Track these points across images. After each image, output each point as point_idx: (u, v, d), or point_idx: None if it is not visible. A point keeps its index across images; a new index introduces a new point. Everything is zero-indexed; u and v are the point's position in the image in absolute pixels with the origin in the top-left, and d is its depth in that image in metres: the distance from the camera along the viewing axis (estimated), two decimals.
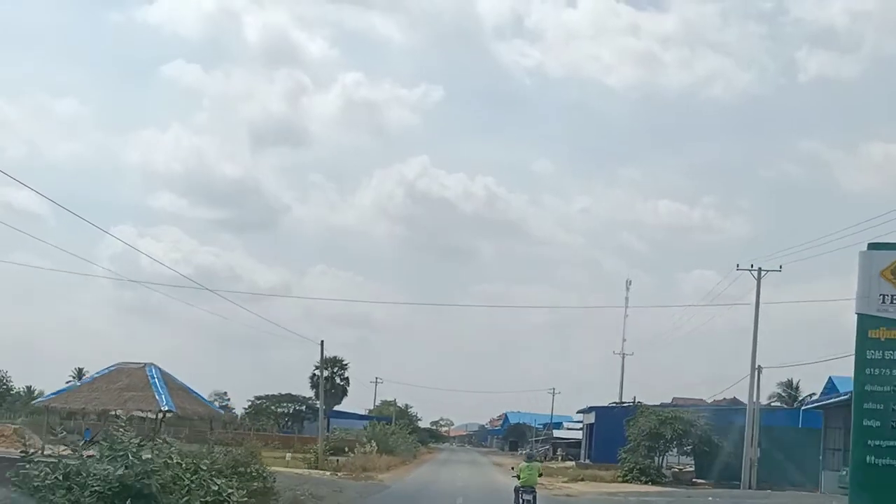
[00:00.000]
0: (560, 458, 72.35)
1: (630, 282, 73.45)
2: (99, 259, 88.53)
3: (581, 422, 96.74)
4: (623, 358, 77.05)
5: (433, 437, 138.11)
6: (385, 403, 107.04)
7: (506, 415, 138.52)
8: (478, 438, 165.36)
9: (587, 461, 60.40)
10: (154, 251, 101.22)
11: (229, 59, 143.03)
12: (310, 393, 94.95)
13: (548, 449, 79.39)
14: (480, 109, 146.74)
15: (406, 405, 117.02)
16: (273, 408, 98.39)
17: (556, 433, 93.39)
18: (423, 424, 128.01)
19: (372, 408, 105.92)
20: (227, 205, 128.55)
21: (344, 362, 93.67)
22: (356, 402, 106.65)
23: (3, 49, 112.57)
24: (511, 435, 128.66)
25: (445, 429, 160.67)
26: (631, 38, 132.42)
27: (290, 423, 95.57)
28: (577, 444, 77.69)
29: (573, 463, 60.96)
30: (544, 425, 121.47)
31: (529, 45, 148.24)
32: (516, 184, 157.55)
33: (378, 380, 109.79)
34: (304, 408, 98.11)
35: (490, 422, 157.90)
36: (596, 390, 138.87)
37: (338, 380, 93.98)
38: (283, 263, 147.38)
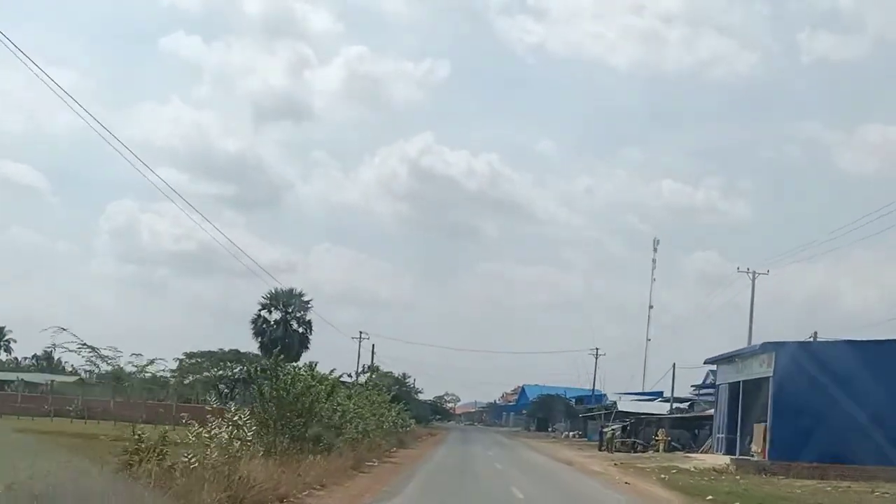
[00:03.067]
0: (663, 445, 41.06)
1: (658, 241, 67.65)
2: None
3: (654, 393, 67.95)
4: (753, 278, 46.21)
5: (436, 412, 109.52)
6: (381, 375, 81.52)
7: (522, 388, 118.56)
8: (489, 416, 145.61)
9: (753, 456, 29.33)
10: (156, 228, 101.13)
11: (230, 31, 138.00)
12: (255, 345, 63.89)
13: (616, 430, 47.87)
14: (485, 86, 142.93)
15: (404, 374, 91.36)
16: (213, 370, 66.59)
17: (621, 407, 61.90)
18: (425, 398, 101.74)
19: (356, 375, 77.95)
20: (230, 180, 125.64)
21: (304, 297, 62.50)
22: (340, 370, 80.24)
23: (1, 19, 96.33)
24: (539, 410, 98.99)
25: (451, 405, 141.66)
26: (634, 18, 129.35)
27: (234, 391, 64.08)
28: (680, 423, 46.98)
29: (727, 460, 29.75)
30: (576, 399, 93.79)
31: (534, 22, 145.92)
32: (520, 163, 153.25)
33: (363, 335, 79.95)
34: (255, 368, 66.82)
35: (503, 396, 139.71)
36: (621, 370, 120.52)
37: (294, 324, 62.86)
38: (287, 240, 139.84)
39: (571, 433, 68.62)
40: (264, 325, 61.44)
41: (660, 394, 72.42)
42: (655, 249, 67.42)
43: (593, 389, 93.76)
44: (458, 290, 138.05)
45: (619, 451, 42.23)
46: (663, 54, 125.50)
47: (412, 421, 46.36)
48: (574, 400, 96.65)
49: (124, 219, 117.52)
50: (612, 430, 46.11)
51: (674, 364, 58.52)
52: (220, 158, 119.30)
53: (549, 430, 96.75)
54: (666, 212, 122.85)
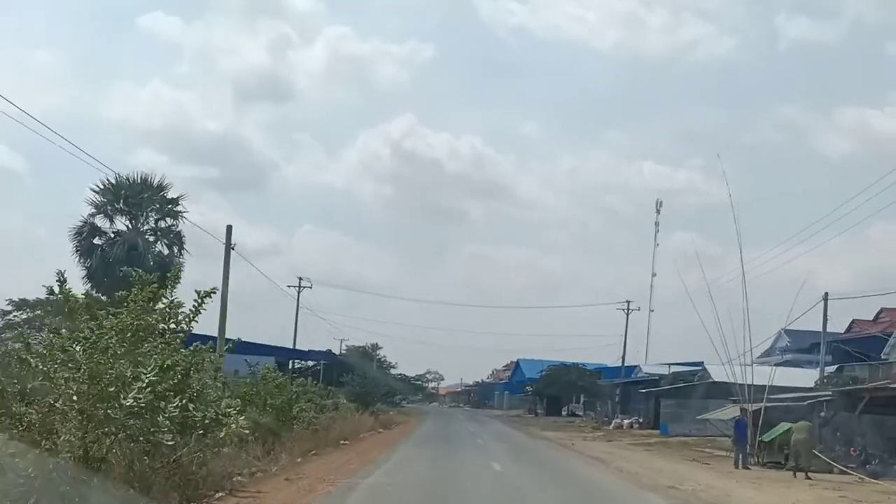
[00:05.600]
0: None
1: (661, 202, 61.68)
2: None
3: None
4: None
5: (410, 389, 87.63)
6: (351, 350, 76.44)
7: (517, 362, 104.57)
8: (478, 396, 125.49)
9: None
10: None
11: (210, 11, 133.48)
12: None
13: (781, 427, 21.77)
14: (468, 68, 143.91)
15: (374, 345, 75.72)
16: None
17: (717, 376, 35.56)
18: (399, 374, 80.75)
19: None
20: (211, 162, 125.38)
21: (166, 193, 36.16)
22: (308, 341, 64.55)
23: None
24: (550, 386, 73.49)
25: (433, 385, 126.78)
26: (616, 0, 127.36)
27: None
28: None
29: None
30: (597, 370, 73.85)
31: (517, 3, 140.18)
32: (503, 145, 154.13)
33: (305, 281, 57.98)
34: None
35: (493, 374, 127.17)
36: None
37: (151, 239, 36.26)
38: (270, 223, 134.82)
39: (626, 420, 42.68)
40: (96, 239, 34.79)
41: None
42: (658, 211, 63.71)
43: (623, 357, 69.46)
44: (442, 273, 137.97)
45: (812, 472, 16.65)
46: (644, 37, 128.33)
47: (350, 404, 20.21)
48: (595, 371, 73.02)
49: None
50: (802, 430, 19.48)
51: (825, 294, 32.74)
52: (201, 140, 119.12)
53: (565, 412, 72.18)
54: (649, 192, 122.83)
